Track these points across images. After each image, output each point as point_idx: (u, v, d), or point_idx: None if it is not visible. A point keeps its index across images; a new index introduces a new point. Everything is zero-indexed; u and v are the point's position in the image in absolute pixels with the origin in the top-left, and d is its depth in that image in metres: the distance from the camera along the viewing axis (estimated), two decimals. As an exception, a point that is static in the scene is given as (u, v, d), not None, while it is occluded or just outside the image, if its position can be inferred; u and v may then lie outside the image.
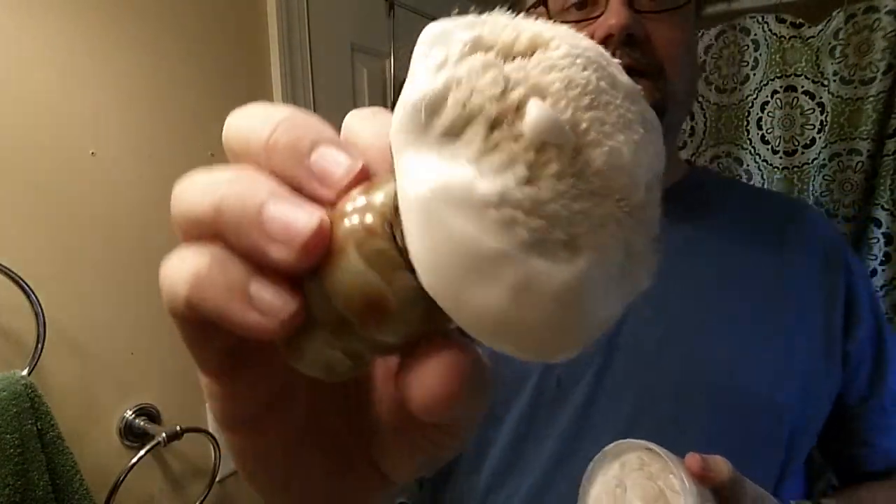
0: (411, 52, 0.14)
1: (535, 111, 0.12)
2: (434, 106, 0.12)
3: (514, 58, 0.13)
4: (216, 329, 0.15)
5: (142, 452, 0.69)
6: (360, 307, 0.13)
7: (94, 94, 0.66)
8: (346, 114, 0.17)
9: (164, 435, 0.71)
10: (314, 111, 0.96)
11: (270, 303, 0.13)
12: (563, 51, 0.13)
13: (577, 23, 0.46)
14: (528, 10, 0.50)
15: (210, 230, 0.14)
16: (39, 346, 0.60)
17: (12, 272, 0.58)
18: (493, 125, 0.12)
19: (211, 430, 0.82)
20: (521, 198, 0.12)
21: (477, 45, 0.13)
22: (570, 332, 0.13)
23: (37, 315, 0.60)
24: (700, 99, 1.20)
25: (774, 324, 0.48)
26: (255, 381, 0.17)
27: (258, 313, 0.13)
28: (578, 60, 0.13)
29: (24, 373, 0.58)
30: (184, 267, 0.15)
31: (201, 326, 0.15)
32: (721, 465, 0.36)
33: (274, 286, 0.14)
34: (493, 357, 0.15)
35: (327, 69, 0.98)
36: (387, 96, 1.14)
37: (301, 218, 0.13)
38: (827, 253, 0.53)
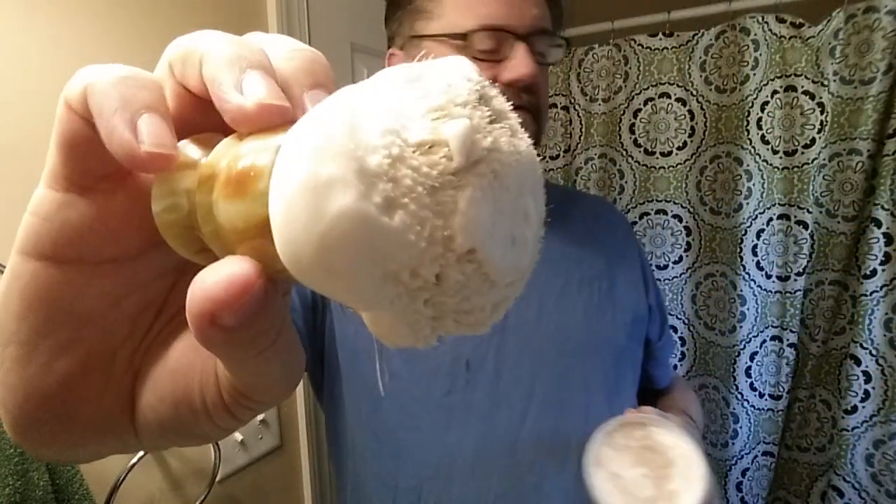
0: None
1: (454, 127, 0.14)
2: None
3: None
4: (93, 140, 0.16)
5: (142, 452, 0.69)
6: (236, 176, 0.14)
7: (94, 94, 0.66)
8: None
9: (164, 435, 0.71)
10: (314, 111, 0.96)
11: (156, 133, 0.15)
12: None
13: (482, 62, 0.54)
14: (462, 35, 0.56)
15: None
16: (39, 346, 0.60)
17: (12, 272, 0.58)
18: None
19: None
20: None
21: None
22: (366, 281, 0.13)
23: (37, 315, 0.60)
24: (700, 99, 1.20)
25: (609, 289, 0.64)
26: (106, 205, 0.17)
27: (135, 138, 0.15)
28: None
29: (24, 373, 0.58)
30: (106, 70, 0.17)
31: (83, 127, 0.16)
32: (649, 410, 0.56)
33: (165, 124, 0.15)
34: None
35: (327, 69, 0.98)
36: (387, 96, 1.14)
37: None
38: (626, 234, 0.74)
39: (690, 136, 1.22)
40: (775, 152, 1.12)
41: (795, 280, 1.13)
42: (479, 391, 0.57)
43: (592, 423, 0.52)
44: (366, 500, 0.60)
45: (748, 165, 1.14)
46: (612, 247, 0.68)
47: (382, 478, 0.58)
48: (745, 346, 1.19)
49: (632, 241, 0.73)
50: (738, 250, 1.16)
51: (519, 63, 0.53)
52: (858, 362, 1.07)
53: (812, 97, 1.09)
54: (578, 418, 0.57)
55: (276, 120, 0.15)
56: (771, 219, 1.14)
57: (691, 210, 1.24)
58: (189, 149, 0.17)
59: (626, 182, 1.30)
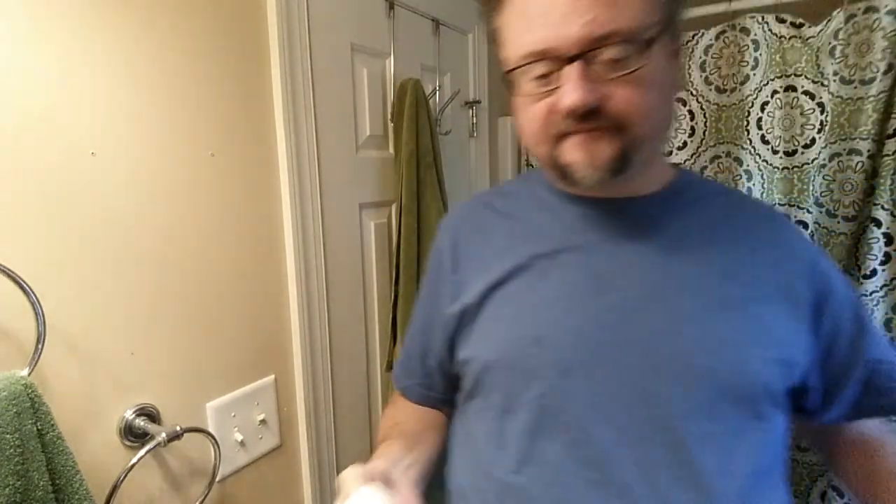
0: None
1: None
2: None
3: None
4: None
5: (142, 452, 0.69)
6: None
7: (94, 94, 0.66)
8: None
9: (164, 435, 0.71)
10: (314, 111, 0.96)
11: None
12: None
13: (540, 94, 0.51)
14: (504, 78, 0.54)
15: None
16: (39, 346, 0.60)
17: (12, 272, 0.58)
18: None
19: (211, 430, 0.82)
20: None
21: None
22: None
23: (37, 315, 0.60)
24: (700, 99, 1.20)
25: (753, 313, 0.54)
26: None
27: None
28: None
29: (24, 373, 0.58)
30: None
31: None
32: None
33: None
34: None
35: (327, 69, 0.98)
36: (386, 96, 1.14)
37: None
38: (808, 264, 0.58)
39: (690, 136, 1.22)
40: (775, 152, 1.12)
41: (795, 280, 1.13)
42: (569, 403, 0.55)
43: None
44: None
45: (748, 165, 1.14)
46: (779, 266, 0.57)
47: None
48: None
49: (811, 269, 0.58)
50: (738, 250, 1.16)
51: (566, 91, 0.48)
52: (858, 362, 1.07)
53: (812, 97, 1.09)
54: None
55: None
56: (771, 219, 1.14)
57: (691, 210, 1.24)
58: None
59: (626, 182, 1.30)
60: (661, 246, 0.57)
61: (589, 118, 0.49)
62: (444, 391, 0.70)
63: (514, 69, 0.52)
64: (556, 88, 0.49)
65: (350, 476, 0.48)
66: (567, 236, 0.60)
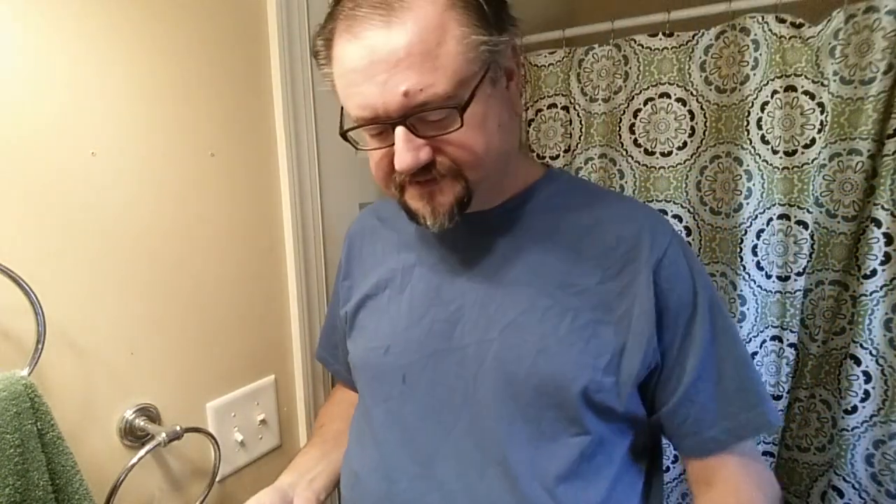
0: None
1: None
2: None
3: None
4: None
5: (142, 452, 0.69)
6: None
7: (94, 94, 0.66)
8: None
9: (164, 435, 0.71)
10: (314, 111, 0.96)
11: None
12: None
13: (380, 148, 0.53)
14: (344, 134, 0.55)
15: None
16: (39, 346, 0.60)
17: (12, 272, 0.58)
18: None
19: (211, 430, 0.82)
20: None
21: None
22: None
23: (37, 315, 0.60)
24: (700, 99, 1.20)
25: (574, 320, 0.56)
26: None
27: None
28: None
29: (24, 373, 0.58)
30: None
31: None
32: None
33: None
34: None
35: (327, 69, 0.98)
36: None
37: None
38: (644, 262, 0.57)
39: (690, 136, 1.22)
40: (775, 152, 1.12)
41: (795, 280, 1.13)
42: (408, 405, 0.61)
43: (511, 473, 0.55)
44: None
45: (748, 165, 1.14)
46: (620, 273, 0.57)
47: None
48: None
49: (656, 273, 0.57)
50: (738, 250, 1.16)
51: (396, 152, 0.49)
52: (858, 362, 1.07)
53: (812, 97, 1.08)
54: (495, 455, 0.56)
55: None
56: (771, 219, 1.14)
57: (691, 210, 1.24)
58: None
59: (625, 182, 1.30)
60: (497, 256, 0.60)
61: (423, 173, 0.51)
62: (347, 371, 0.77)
63: (352, 128, 0.53)
64: (392, 144, 0.50)
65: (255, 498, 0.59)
66: (422, 249, 0.65)
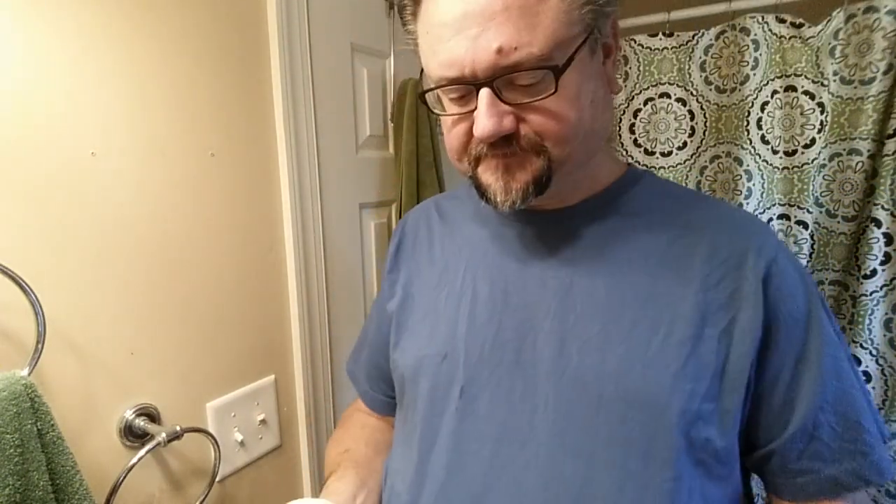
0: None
1: None
2: None
3: None
4: None
5: (142, 452, 0.69)
6: None
7: (94, 94, 0.66)
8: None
9: (164, 435, 0.71)
10: (314, 111, 0.96)
11: None
12: None
13: (459, 115, 0.49)
14: (422, 95, 0.52)
15: None
16: (39, 346, 0.60)
17: (12, 272, 0.58)
18: None
19: (211, 430, 0.82)
20: None
21: None
22: None
23: (37, 315, 0.60)
24: (700, 99, 1.20)
25: (668, 335, 0.49)
26: None
27: None
28: None
29: (24, 373, 0.58)
30: None
31: None
32: None
33: None
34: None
35: (327, 69, 0.98)
36: (386, 96, 1.14)
37: None
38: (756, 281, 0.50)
39: (690, 136, 1.22)
40: (775, 152, 1.12)
41: (795, 280, 1.13)
42: (464, 424, 0.53)
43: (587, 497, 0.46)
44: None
45: (748, 165, 1.14)
46: (720, 281, 0.50)
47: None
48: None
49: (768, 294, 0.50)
50: (738, 250, 1.16)
51: (478, 118, 0.45)
52: (858, 362, 1.07)
53: (812, 97, 1.09)
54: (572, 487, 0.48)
55: None
56: (771, 219, 1.14)
57: (691, 210, 1.24)
58: None
59: (626, 182, 1.30)
60: (574, 261, 0.54)
61: (503, 144, 0.47)
62: (386, 388, 0.70)
63: (431, 89, 0.50)
64: (473, 110, 0.46)
65: None
66: (487, 248, 0.59)
